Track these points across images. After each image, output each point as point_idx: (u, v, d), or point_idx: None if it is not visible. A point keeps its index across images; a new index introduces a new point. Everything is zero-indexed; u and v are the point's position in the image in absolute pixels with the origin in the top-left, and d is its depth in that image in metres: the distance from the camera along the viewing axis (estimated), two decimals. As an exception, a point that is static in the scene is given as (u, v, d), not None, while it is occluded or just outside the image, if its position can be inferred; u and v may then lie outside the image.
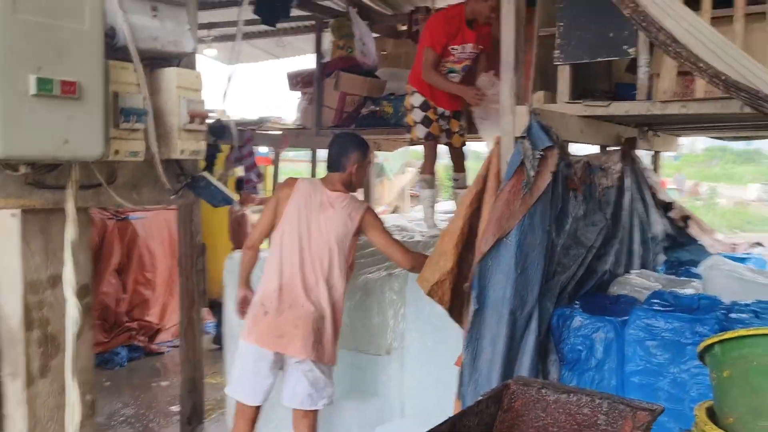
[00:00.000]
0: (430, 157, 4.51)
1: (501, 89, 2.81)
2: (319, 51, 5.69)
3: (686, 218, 5.07)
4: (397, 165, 12.97)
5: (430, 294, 2.81)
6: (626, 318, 2.75)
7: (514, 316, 2.62)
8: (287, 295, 3.05)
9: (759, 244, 5.44)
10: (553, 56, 3.09)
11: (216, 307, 5.79)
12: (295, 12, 5.74)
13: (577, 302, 3.01)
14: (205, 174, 2.46)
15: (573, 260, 3.02)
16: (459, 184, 4.61)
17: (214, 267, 6.40)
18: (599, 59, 3.09)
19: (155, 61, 2.24)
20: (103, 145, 1.99)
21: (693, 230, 5.18)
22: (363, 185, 3.39)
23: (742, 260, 4.66)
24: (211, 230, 5.77)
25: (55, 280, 2.30)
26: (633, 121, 3.98)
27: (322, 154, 5.38)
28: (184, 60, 2.39)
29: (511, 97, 2.77)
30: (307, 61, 8.32)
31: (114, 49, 2.06)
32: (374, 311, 3.65)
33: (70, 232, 2.21)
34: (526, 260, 2.65)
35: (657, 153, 5.15)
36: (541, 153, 2.68)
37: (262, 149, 7.53)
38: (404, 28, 6.38)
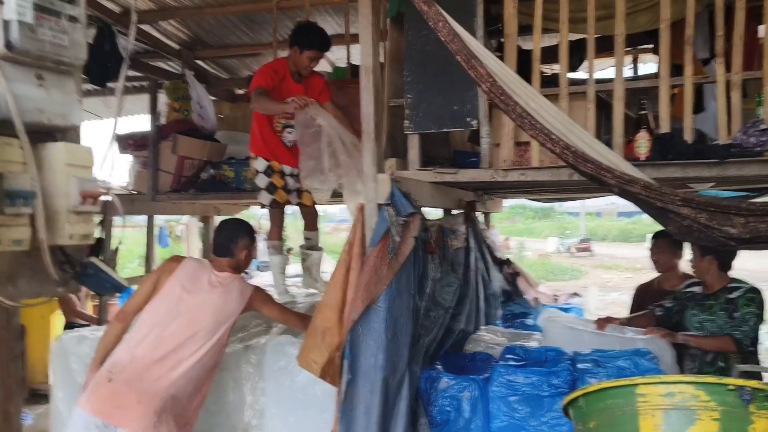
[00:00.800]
0: (277, 223, 4.43)
1: (363, 158, 2.87)
2: (154, 113, 5.41)
3: (516, 274, 5.50)
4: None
5: (322, 376, 2.69)
6: (488, 375, 2.87)
7: (387, 382, 2.61)
8: (139, 367, 2.80)
9: (576, 294, 6.02)
10: (402, 126, 3.24)
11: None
12: (127, 72, 5.44)
13: (438, 363, 3.09)
14: (93, 260, 2.17)
15: (434, 322, 3.11)
16: (311, 243, 4.55)
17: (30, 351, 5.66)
18: (445, 129, 3.30)
19: (37, 135, 1.95)
20: (-8, 234, 1.67)
21: (521, 285, 5.62)
22: (249, 267, 3.36)
23: (566, 310, 5.12)
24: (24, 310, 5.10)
25: None
26: (471, 186, 4.26)
27: (159, 219, 5.06)
28: (69, 134, 2.11)
29: (374, 165, 2.84)
30: (138, 123, 7.86)
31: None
32: (229, 387, 3.42)
33: None
34: (396, 325, 2.67)
35: (488, 214, 5.56)
36: (405, 219, 2.76)
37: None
38: (242, 92, 6.33)
